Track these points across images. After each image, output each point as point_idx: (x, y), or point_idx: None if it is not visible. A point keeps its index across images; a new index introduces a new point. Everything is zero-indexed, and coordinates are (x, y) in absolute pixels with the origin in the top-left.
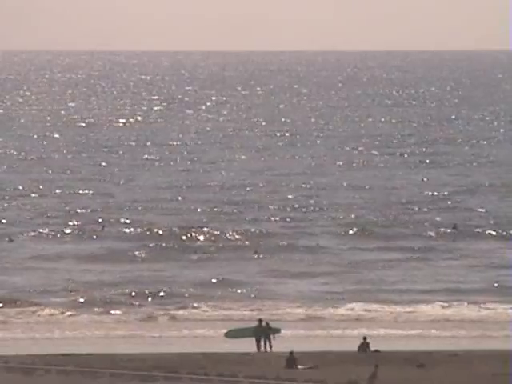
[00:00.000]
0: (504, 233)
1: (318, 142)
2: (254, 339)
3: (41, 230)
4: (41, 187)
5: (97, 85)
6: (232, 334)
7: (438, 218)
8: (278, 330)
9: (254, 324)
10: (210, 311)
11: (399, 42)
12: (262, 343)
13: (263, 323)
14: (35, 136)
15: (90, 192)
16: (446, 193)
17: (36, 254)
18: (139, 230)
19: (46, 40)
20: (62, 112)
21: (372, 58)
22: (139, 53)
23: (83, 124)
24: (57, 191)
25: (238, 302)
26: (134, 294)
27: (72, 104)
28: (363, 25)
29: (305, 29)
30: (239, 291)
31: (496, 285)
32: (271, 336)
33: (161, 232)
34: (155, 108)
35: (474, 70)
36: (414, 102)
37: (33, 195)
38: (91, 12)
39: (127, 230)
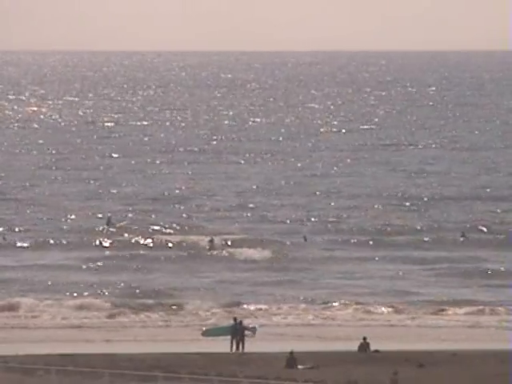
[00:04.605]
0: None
1: (319, 144)
2: (238, 338)
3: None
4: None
5: (93, 85)
6: (209, 333)
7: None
8: (253, 329)
9: (231, 323)
10: (204, 316)
11: (398, 42)
12: (236, 342)
13: (238, 321)
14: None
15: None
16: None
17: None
18: (137, 236)
19: (42, 40)
20: (61, 113)
21: (369, 58)
22: (132, 53)
23: (80, 125)
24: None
25: (230, 306)
26: (130, 298)
27: (71, 104)
28: (364, 25)
29: (305, 29)
30: (231, 295)
31: None
32: (249, 334)
33: (159, 238)
34: (155, 109)
35: (473, 70)
36: (409, 103)
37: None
38: (87, 12)
39: (128, 235)
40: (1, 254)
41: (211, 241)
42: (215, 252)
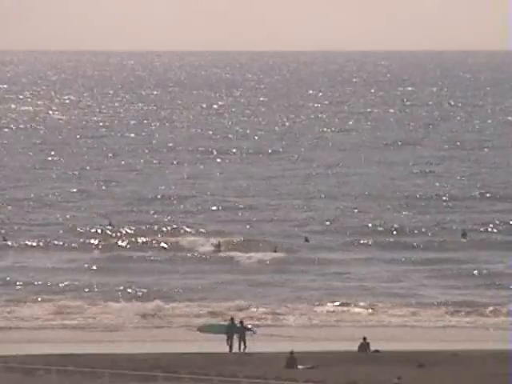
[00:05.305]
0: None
1: (318, 144)
2: (235, 338)
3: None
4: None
5: (91, 85)
6: (205, 329)
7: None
8: (250, 329)
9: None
10: (205, 316)
11: (398, 42)
12: (237, 343)
13: (236, 322)
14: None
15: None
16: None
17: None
18: (137, 237)
19: (40, 40)
20: (60, 113)
21: (369, 58)
22: (133, 53)
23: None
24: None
25: (231, 307)
26: (130, 298)
27: (73, 106)
28: (364, 25)
29: (305, 29)
30: (232, 296)
31: None
32: (249, 333)
33: (158, 238)
34: (153, 109)
35: (474, 70)
36: (410, 103)
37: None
38: (87, 12)
39: (129, 232)
40: (1, 254)
41: (218, 245)
42: (215, 253)
